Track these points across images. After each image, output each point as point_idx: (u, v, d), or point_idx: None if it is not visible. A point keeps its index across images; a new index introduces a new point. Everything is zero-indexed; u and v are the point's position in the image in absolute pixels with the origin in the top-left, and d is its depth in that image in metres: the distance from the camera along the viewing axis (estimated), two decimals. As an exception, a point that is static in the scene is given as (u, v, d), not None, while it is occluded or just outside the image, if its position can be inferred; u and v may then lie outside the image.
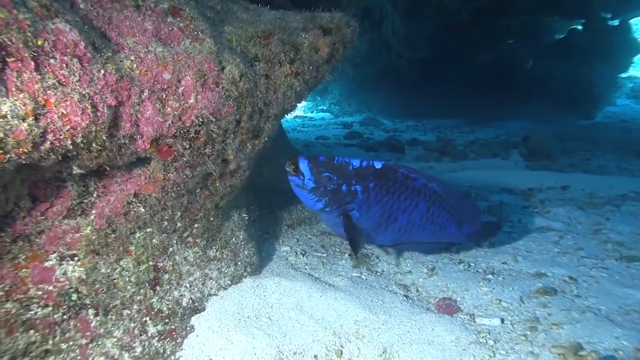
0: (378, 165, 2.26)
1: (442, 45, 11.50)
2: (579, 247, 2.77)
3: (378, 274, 2.46)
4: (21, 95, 1.11)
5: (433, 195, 2.35)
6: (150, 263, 1.73)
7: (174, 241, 1.85)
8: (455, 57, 11.52)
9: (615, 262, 2.54)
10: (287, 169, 2.17)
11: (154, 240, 1.75)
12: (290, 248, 2.66)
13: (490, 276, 2.40)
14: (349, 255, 2.65)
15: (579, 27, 12.72)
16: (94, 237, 1.57)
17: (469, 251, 2.75)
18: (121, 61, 1.41)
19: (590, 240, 2.90)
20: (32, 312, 1.47)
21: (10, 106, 1.09)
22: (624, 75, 13.56)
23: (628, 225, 3.11)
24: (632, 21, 12.74)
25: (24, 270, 1.48)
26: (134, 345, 1.64)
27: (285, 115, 2.17)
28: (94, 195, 1.60)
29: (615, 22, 12.47)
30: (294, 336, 1.81)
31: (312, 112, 14.64)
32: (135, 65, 1.43)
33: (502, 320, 1.98)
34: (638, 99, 14.87)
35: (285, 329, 1.85)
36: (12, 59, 1.10)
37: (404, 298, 2.16)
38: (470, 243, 2.78)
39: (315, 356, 1.74)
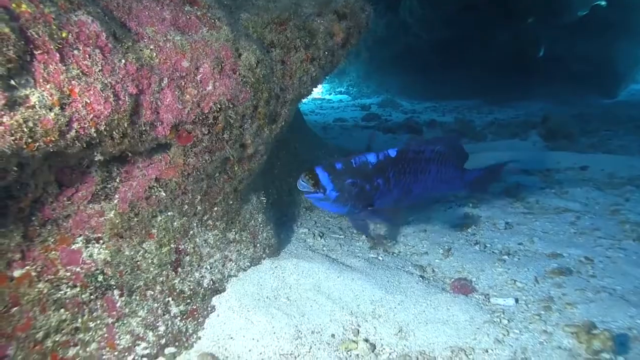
0: (393, 153, 2.24)
1: (460, 25, 11.31)
2: (595, 228, 2.77)
3: (395, 255, 2.50)
4: (48, 86, 1.17)
5: (441, 156, 2.44)
6: (172, 245, 1.79)
7: (195, 224, 1.90)
8: (474, 37, 11.34)
9: (632, 243, 2.54)
10: (304, 184, 2.00)
11: (175, 223, 1.80)
12: (309, 230, 2.71)
13: (505, 257, 2.42)
14: (366, 237, 2.70)
15: (603, 4, 12.43)
16: (117, 221, 1.64)
17: (485, 232, 2.77)
18: (141, 50, 1.45)
19: (608, 220, 2.89)
20: (62, 292, 1.54)
21: (38, 97, 1.15)
22: (648, 52, 13.24)
23: (647, 206, 3.08)
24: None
25: (53, 252, 1.55)
26: (157, 324, 1.70)
27: (302, 100, 2.20)
28: (117, 180, 1.66)
29: (641, -2, 12.17)
30: (312, 316, 1.86)
31: (330, 94, 14.60)
32: (154, 54, 1.48)
33: (517, 300, 2.01)
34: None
35: (304, 308, 1.90)
36: (39, 52, 1.15)
37: (420, 278, 2.19)
38: (475, 192, 2.94)
39: (333, 335, 1.79)
